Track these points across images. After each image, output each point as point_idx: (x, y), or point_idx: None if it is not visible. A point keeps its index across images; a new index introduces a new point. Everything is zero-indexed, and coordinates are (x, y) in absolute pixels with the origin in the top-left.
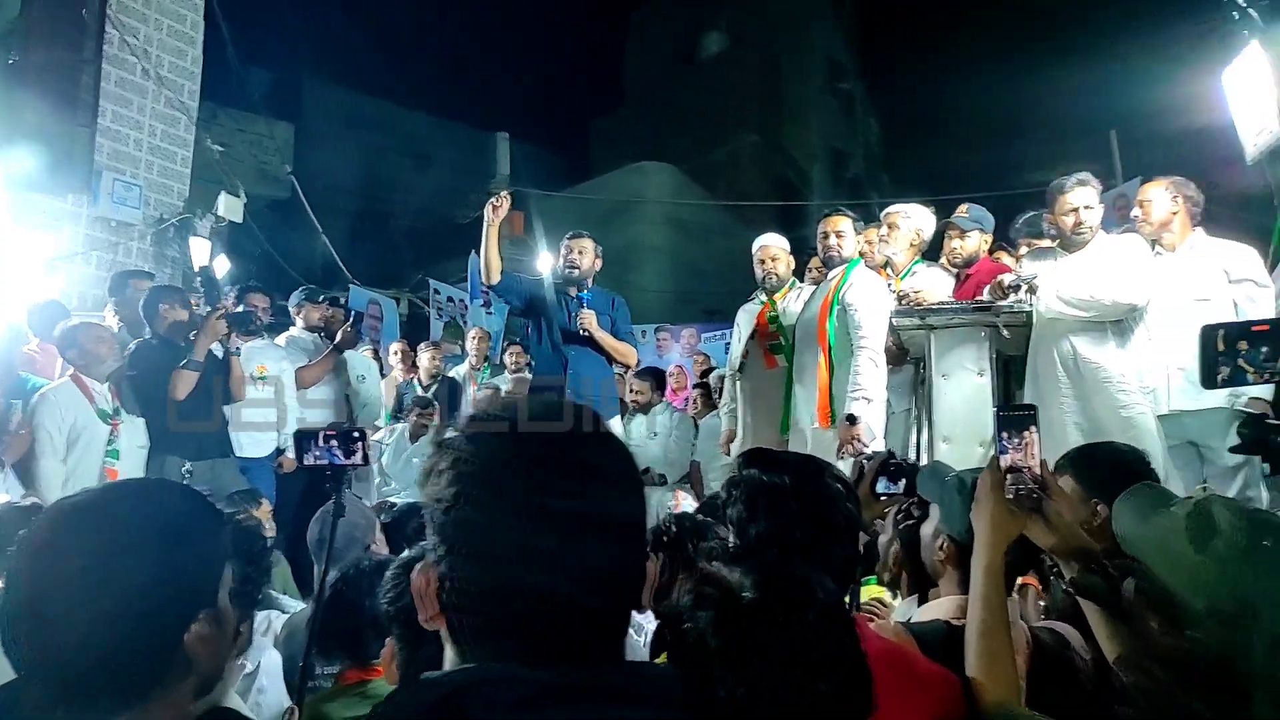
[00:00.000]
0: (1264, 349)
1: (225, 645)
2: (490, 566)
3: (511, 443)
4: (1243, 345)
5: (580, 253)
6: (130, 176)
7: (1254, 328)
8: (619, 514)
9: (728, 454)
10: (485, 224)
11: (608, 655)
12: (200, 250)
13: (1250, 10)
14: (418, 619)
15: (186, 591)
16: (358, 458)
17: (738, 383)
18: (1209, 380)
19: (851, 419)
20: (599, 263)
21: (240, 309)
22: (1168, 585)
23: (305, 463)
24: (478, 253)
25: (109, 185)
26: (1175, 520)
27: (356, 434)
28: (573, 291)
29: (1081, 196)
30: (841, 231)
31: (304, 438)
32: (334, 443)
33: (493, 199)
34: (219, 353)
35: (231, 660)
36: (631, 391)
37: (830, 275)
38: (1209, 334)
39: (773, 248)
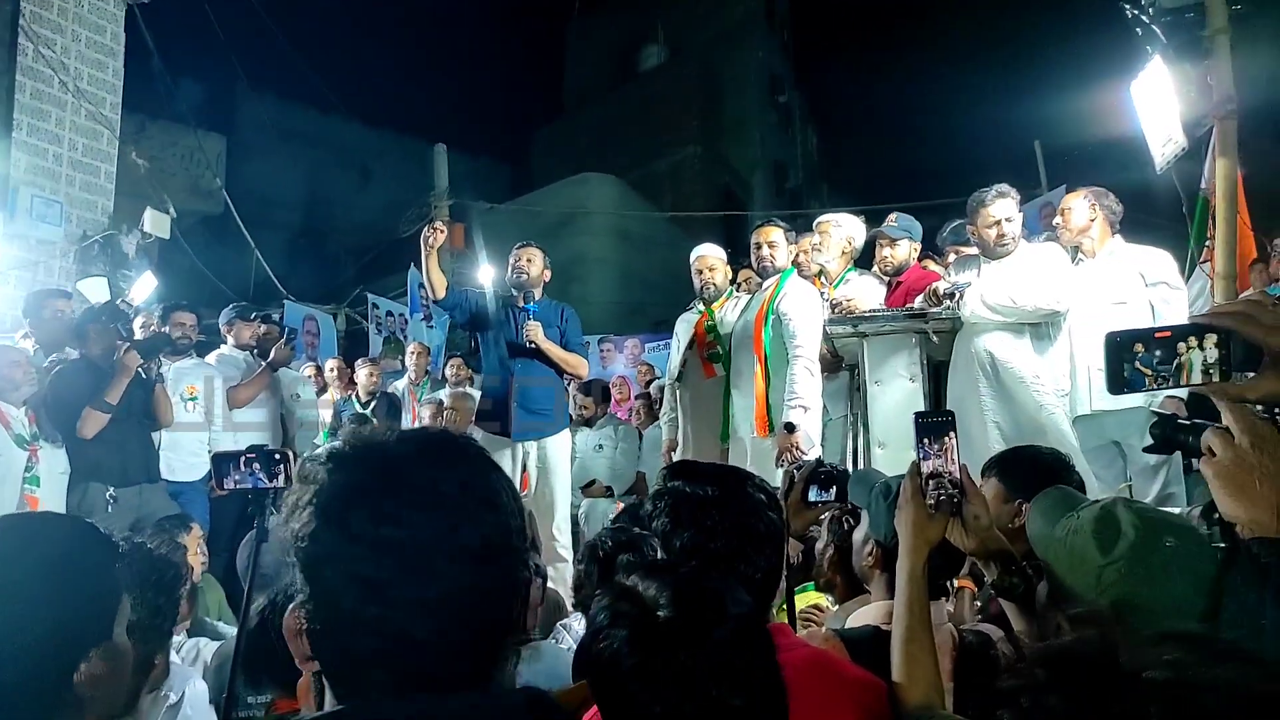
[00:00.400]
0: (1158, 353)
1: (121, 682)
2: (341, 601)
3: (357, 472)
4: (1139, 349)
5: (529, 261)
6: (50, 192)
7: (1157, 334)
8: (469, 539)
9: (669, 464)
10: (425, 248)
11: (477, 682)
12: (96, 289)
13: (1153, 26)
14: None
15: (74, 628)
16: (280, 480)
17: (677, 392)
18: (1114, 385)
19: (790, 427)
20: (548, 273)
21: (150, 334)
22: (1073, 588)
23: (226, 487)
24: (417, 267)
25: (27, 201)
26: (1081, 524)
27: (279, 455)
28: (520, 303)
29: (1002, 209)
30: (774, 242)
31: (223, 461)
32: (256, 465)
33: (428, 226)
34: (143, 374)
35: (147, 692)
36: (576, 405)
37: (765, 285)
38: (1111, 340)
39: (710, 257)
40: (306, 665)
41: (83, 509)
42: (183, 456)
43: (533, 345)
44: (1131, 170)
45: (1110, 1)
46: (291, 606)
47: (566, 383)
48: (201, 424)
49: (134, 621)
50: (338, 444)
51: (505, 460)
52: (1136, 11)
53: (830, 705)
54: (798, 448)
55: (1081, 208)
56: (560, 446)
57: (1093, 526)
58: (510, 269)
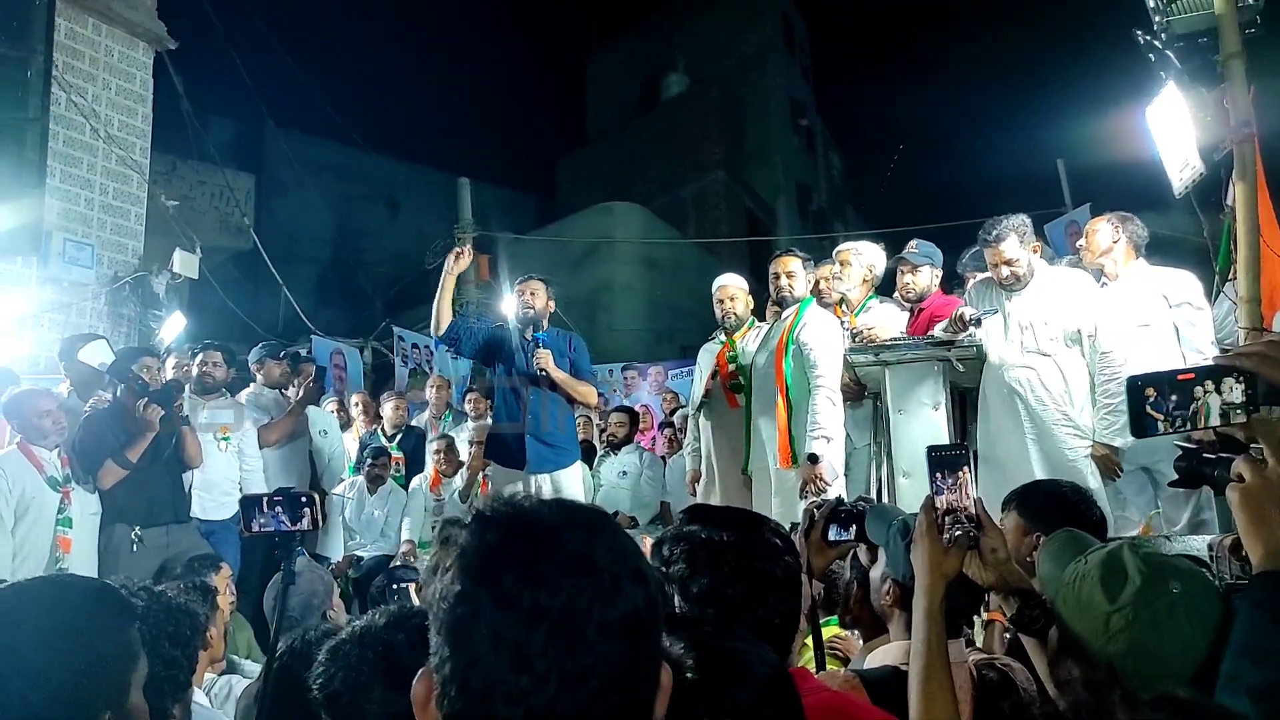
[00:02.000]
0: (1174, 398)
1: None
2: (488, 669)
3: (506, 534)
4: (1150, 394)
5: (532, 294)
6: (82, 236)
7: (1179, 377)
8: (621, 611)
9: (693, 494)
10: (445, 271)
11: None
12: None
13: (1166, 52)
14: (345, 703)
15: (88, 692)
16: (305, 523)
17: (700, 422)
18: (1136, 429)
19: (813, 458)
20: (552, 304)
21: (168, 381)
22: (1081, 634)
23: (252, 529)
24: None
25: (60, 246)
26: (1088, 570)
27: (305, 498)
28: (529, 333)
29: (1008, 249)
30: (792, 271)
31: (250, 504)
32: (279, 508)
33: (456, 247)
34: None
35: None
36: (611, 425)
37: (784, 315)
38: (1132, 384)
39: (730, 287)
40: None
41: (109, 550)
42: (215, 496)
43: (543, 373)
44: (1153, 190)
45: (1124, 27)
46: (422, 672)
47: (579, 414)
48: (233, 463)
49: (150, 674)
50: (481, 508)
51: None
52: (1149, 38)
53: None
54: (820, 479)
55: (1106, 231)
56: (573, 479)
57: (1099, 572)
58: (516, 305)
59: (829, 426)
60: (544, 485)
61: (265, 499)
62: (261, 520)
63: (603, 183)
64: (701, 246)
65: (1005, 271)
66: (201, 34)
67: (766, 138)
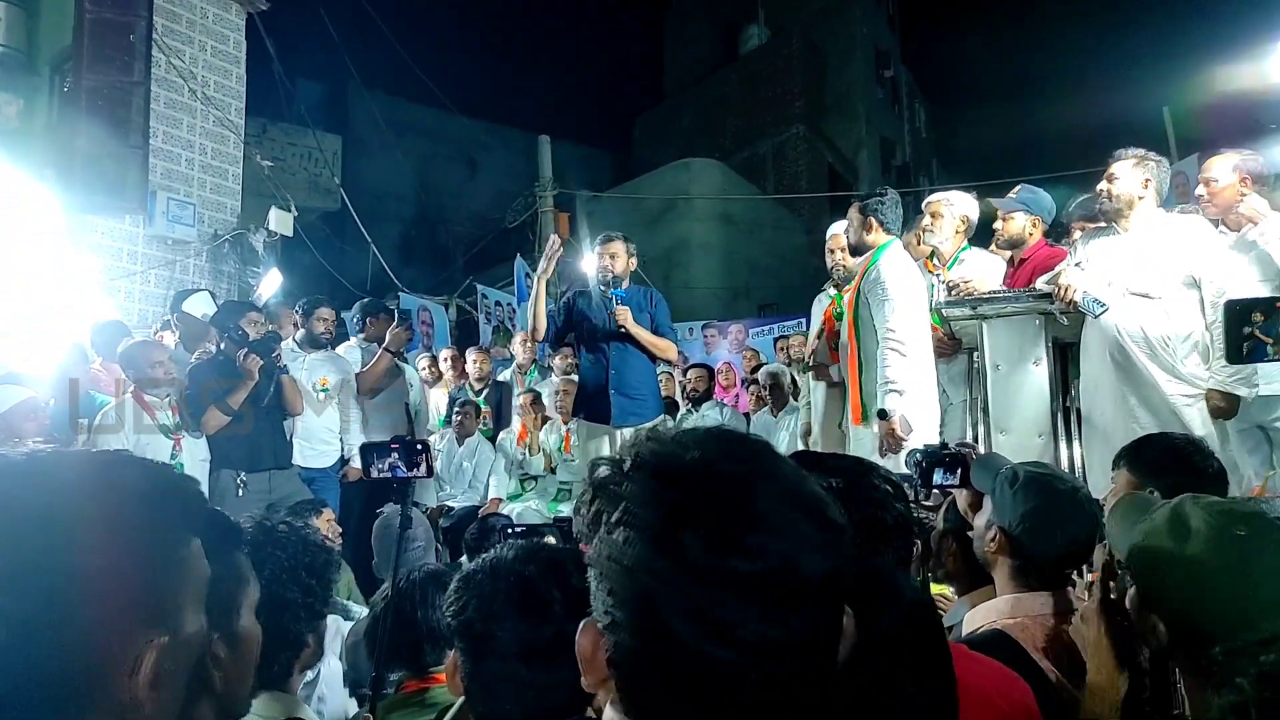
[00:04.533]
0: None
1: (246, 668)
2: (681, 640)
3: (685, 493)
4: (1258, 318)
5: (612, 256)
6: (184, 195)
7: (1278, 303)
8: (812, 570)
9: (804, 448)
10: (537, 276)
11: None
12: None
13: None
14: (479, 631)
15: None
16: (421, 470)
17: (810, 378)
18: (1233, 355)
19: (882, 414)
20: (634, 261)
21: (267, 332)
22: (1157, 586)
23: (371, 475)
24: (524, 256)
25: (164, 205)
26: (1156, 525)
27: (420, 446)
28: (608, 291)
29: (1118, 169)
30: (853, 222)
31: (369, 451)
32: (397, 455)
33: (548, 248)
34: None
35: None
36: (691, 380)
37: (856, 265)
38: (1230, 308)
39: (841, 236)
40: (593, 688)
41: (216, 493)
42: (315, 445)
43: (623, 329)
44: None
45: None
46: (586, 625)
47: (662, 370)
48: (333, 414)
49: (289, 599)
50: (637, 450)
51: (605, 447)
52: None
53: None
54: (895, 434)
55: (1229, 176)
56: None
57: (1167, 526)
58: (596, 266)
59: (899, 379)
60: (628, 438)
61: (383, 446)
62: (380, 466)
63: (680, 139)
64: (780, 202)
65: (1103, 186)
66: None
67: (849, 90)
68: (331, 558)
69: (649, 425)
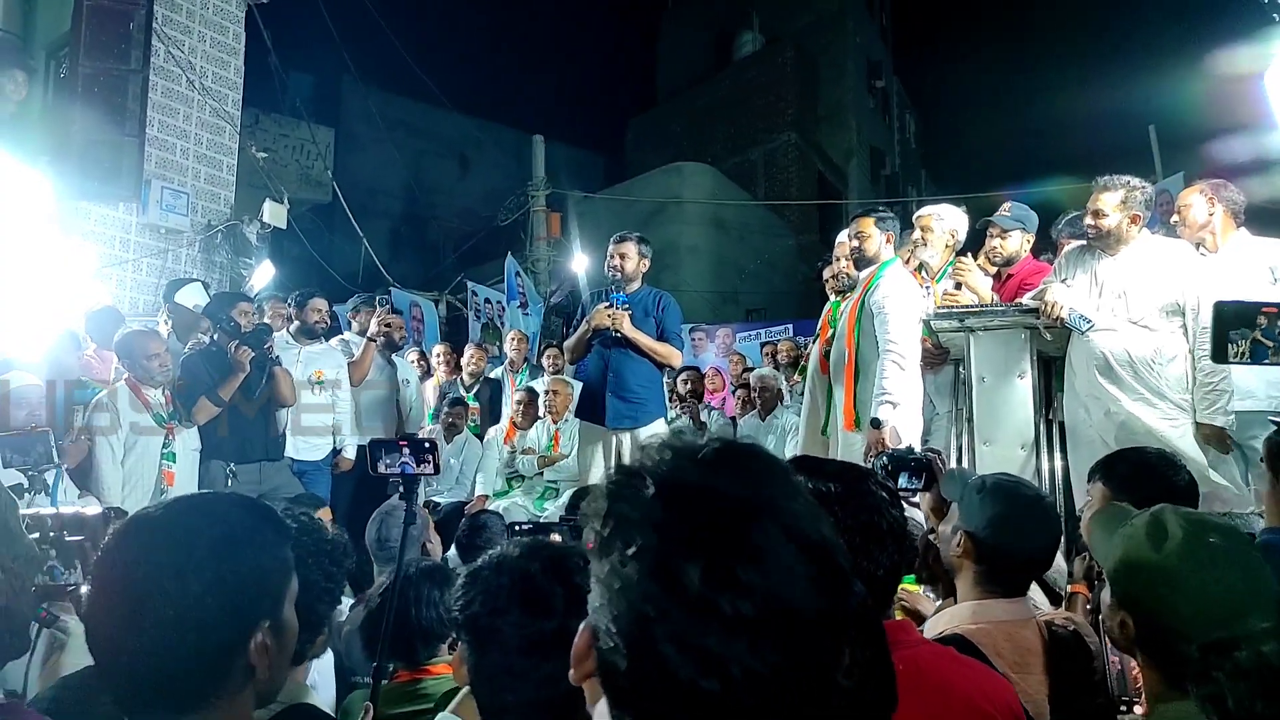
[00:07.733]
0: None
1: (286, 657)
2: (672, 669)
3: (683, 512)
4: (1262, 320)
5: (622, 256)
6: (178, 185)
7: (1264, 309)
8: (805, 605)
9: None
10: (587, 321)
11: None
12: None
13: None
14: (483, 625)
15: (252, 602)
16: (429, 467)
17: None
18: (1218, 354)
19: (875, 423)
20: (645, 262)
21: (259, 324)
22: (1131, 588)
23: (380, 470)
24: (515, 255)
25: (158, 193)
26: (1135, 530)
27: (428, 445)
28: (609, 293)
29: (1105, 200)
30: (864, 232)
31: (379, 446)
32: (406, 452)
33: (614, 311)
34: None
35: (309, 659)
36: (683, 385)
37: (862, 276)
38: (1220, 309)
39: (849, 243)
40: (585, 683)
41: (207, 484)
42: (308, 437)
43: (618, 334)
44: (1258, 158)
45: None
46: (586, 626)
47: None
48: (327, 406)
49: (312, 582)
50: (645, 462)
51: (599, 449)
52: None
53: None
54: (883, 444)
55: (1199, 203)
56: (653, 436)
57: (1145, 530)
58: (606, 265)
59: (895, 392)
60: (624, 441)
61: (392, 443)
62: (388, 462)
63: (672, 143)
64: (770, 209)
65: (1089, 220)
66: None
67: (840, 99)
68: (348, 550)
69: (646, 429)
